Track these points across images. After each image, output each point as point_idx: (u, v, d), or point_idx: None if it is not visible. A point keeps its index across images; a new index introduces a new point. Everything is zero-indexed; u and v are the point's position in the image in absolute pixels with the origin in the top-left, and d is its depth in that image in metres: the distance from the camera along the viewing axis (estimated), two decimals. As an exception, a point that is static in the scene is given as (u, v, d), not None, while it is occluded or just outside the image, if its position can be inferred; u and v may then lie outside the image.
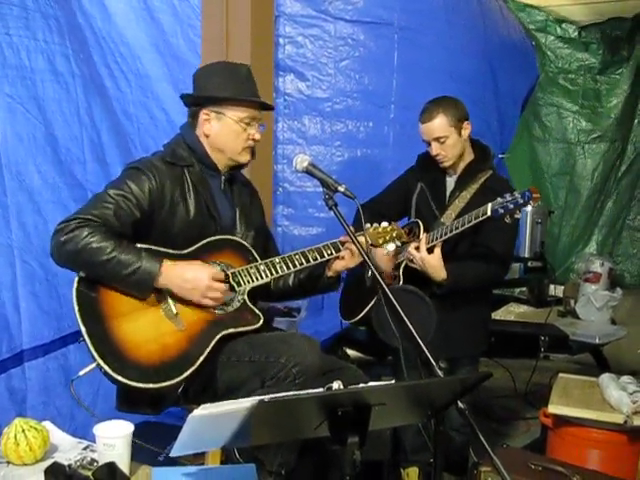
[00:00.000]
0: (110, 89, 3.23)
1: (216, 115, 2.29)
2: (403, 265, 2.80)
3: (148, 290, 2.09)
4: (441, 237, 2.67)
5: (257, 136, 2.34)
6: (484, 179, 2.85)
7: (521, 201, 2.44)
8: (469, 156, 2.89)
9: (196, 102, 2.33)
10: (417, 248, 2.66)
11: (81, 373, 2.04)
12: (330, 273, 2.42)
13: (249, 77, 2.34)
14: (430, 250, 2.67)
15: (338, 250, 2.37)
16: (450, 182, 2.92)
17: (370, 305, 2.80)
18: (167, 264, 2.09)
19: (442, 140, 2.78)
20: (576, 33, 5.84)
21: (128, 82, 3.31)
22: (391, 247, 2.51)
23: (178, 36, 3.42)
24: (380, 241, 2.48)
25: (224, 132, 2.29)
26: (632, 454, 2.75)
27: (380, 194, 3.05)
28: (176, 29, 3.41)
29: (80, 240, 2.02)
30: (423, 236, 2.70)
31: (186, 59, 3.43)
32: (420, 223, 2.84)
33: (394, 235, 2.51)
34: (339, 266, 2.40)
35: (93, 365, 2.00)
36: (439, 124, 2.76)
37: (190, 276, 2.10)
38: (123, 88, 3.29)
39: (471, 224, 2.58)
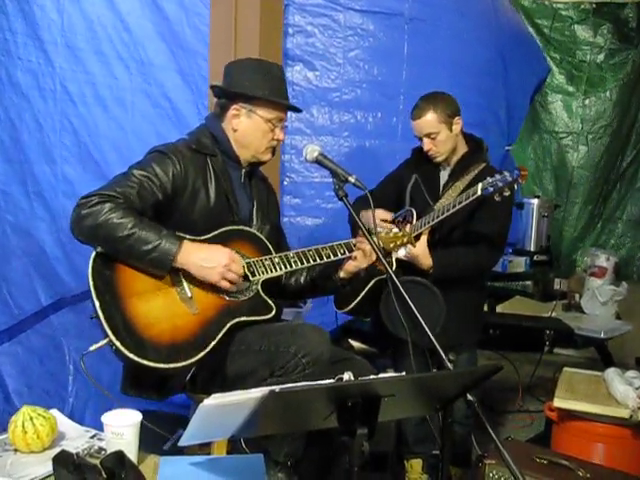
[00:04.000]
0: (99, 76, 3.26)
1: (247, 112, 2.31)
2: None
3: (166, 268, 2.08)
4: (431, 222, 2.69)
5: (281, 136, 2.37)
6: (477, 171, 2.87)
7: (510, 179, 2.49)
8: (462, 149, 2.91)
9: (228, 96, 2.33)
10: (409, 251, 2.68)
11: (92, 348, 2.03)
12: (342, 274, 2.43)
13: (282, 78, 2.38)
14: (417, 238, 2.68)
15: (350, 250, 2.38)
16: (444, 175, 2.94)
17: (362, 294, 2.81)
18: (187, 243, 2.10)
19: (433, 136, 2.80)
20: (585, 15, 5.77)
21: (127, 69, 3.32)
22: (402, 252, 2.54)
23: (183, 24, 3.41)
24: (391, 245, 2.49)
25: (252, 129, 2.32)
26: (637, 449, 2.75)
27: (375, 188, 3.05)
28: (181, 17, 3.41)
29: (100, 215, 2.02)
30: (407, 226, 2.73)
31: (192, 48, 3.43)
32: (414, 211, 2.85)
33: (405, 241, 2.53)
34: (351, 266, 2.41)
35: (105, 341, 1.99)
36: (429, 121, 2.79)
37: (209, 256, 2.11)
38: (119, 75, 3.31)
39: (462, 205, 2.60)
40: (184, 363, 2.01)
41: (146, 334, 2.01)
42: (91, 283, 2.02)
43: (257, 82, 2.29)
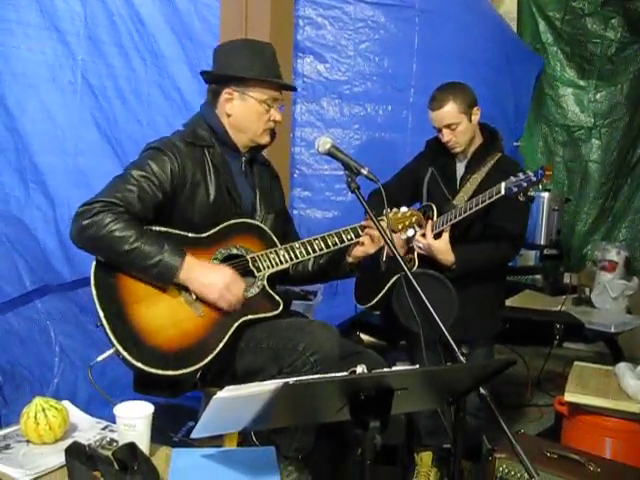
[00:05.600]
0: (118, 68, 3.29)
1: (240, 95, 2.25)
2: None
3: (168, 283, 2.06)
4: (453, 220, 2.68)
5: (278, 117, 2.31)
6: (494, 161, 2.86)
7: (534, 179, 2.44)
8: (478, 140, 2.90)
9: (219, 80, 2.28)
10: (423, 235, 2.67)
11: (99, 358, 2.02)
12: (350, 259, 2.40)
13: (273, 57, 2.31)
14: (439, 235, 2.68)
15: (358, 235, 2.35)
16: (460, 167, 2.92)
17: (385, 290, 2.80)
18: (189, 260, 2.05)
19: (453, 127, 2.78)
20: (595, 8, 5.71)
21: (143, 61, 3.34)
22: (411, 233, 2.51)
23: (192, 16, 3.43)
24: (400, 226, 2.47)
25: (247, 112, 2.27)
26: (648, 443, 2.74)
27: (390, 181, 3.04)
28: (190, 9, 3.42)
29: (103, 227, 1.98)
30: (428, 223, 2.70)
31: (201, 39, 3.44)
32: (434, 206, 2.84)
33: (413, 220, 2.50)
34: (359, 252, 2.38)
35: (111, 351, 1.99)
36: (450, 111, 2.76)
37: (210, 275, 2.07)
38: (136, 67, 3.34)
39: (485, 204, 2.58)
40: (192, 368, 2.00)
41: (152, 341, 1.99)
42: (94, 292, 2.00)
43: (247, 63, 2.23)
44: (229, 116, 2.28)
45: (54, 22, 3.13)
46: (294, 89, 2.51)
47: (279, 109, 2.32)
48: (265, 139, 2.34)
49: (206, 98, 2.36)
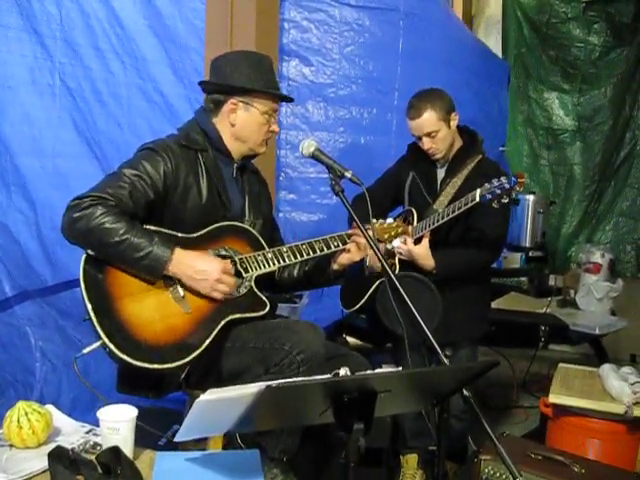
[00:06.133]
0: (96, 70, 3.27)
1: (244, 106, 2.29)
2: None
3: (158, 276, 2.07)
4: (432, 225, 2.69)
5: (276, 128, 2.38)
6: (474, 164, 2.86)
7: (507, 186, 2.46)
8: (458, 143, 2.91)
9: (222, 91, 2.30)
10: (404, 241, 2.68)
11: (85, 351, 2.01)
12: (335, 266, 2.42)
13: (272, 69, 2.36)
14: (419, 240, 2.68)
15: (344, 242, 2.36)
16: (440, 171, 2.94)
17: (369, 294, 2.81)
18: (179, 252, 2.07)
19: (433, 135, 2.79)
20: (578, 12, 5.75)
21: (122, 64, 3.33)
22: (396, 243, 2.55)
23: (176, 19, 3.42)
24: (386, 236, 2.49)
25: (250, 123, 2.30)
26: (632, 444, 2.76)
27: (373, 185, 3.05)
28: (174, 12, 3.41)
29: (93, 219, 1.99)
30: (408, 228, 2.71)
31: (185, 42, 3.43)
32: (414, 211, 2.85)
33: (399, 231, 2.53)
34: (344, 259, 2.39)
35: (98, 343, 1.98)
36: (429, 119, 2.76)
37: (201, 267, 2.08)
38: (114, 70, 3.32)
39: (461, 211, 2.60)
40: (178, 363, 2.00)
41: (139, 335, 2.00)
42: (83, 285, 2.00)
43: (251, 75, 2.27)
44: (233, 126, 2.31)
45: (33, 25, 3.11)
46: (292, 100, 2.55)
47: (276, 120, 2.38)
48: (263, 149, 2.39)
49: (203, 106, 2.38)
